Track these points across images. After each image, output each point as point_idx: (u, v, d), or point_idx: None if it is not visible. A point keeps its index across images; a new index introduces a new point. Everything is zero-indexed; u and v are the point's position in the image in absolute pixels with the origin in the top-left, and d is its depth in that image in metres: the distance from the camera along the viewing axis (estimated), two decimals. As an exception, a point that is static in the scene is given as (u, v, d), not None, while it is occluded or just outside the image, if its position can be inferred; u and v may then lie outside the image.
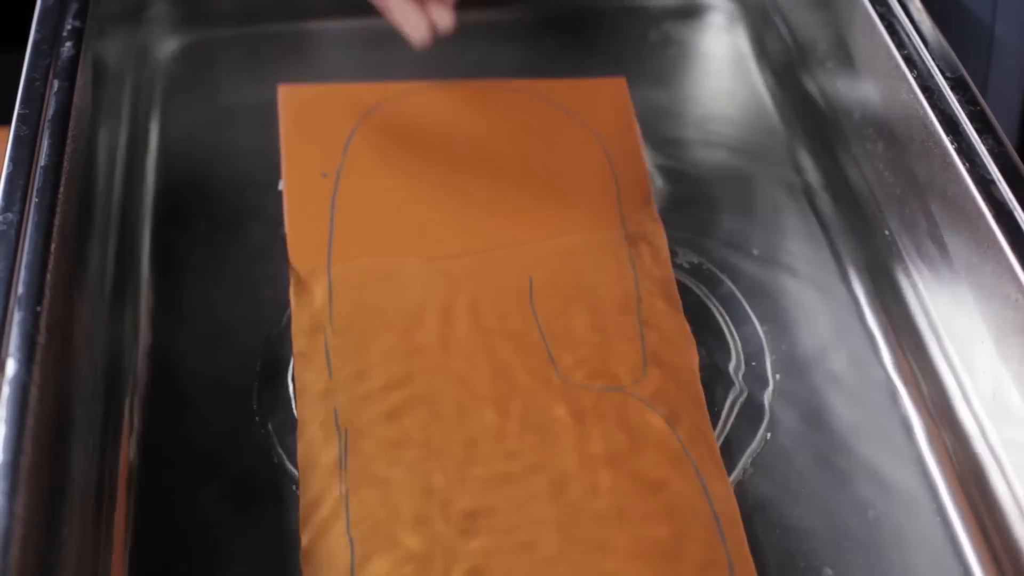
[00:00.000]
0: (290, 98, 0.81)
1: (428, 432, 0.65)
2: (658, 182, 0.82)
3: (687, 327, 0.71)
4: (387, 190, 0.77)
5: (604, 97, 0.84)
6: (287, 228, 0.75)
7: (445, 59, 0.91)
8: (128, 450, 0.66)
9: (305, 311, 0.70)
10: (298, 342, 0.69)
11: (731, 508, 0.63)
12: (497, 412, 0.66)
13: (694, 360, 0.70)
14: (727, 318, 0.74)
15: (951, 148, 0.68)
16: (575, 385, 0.67)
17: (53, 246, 0.62)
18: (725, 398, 0.70)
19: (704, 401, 0.68)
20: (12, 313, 0.59)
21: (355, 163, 0.77)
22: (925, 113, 0.71)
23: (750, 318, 0.74)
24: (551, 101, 0.83)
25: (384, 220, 0.75)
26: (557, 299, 0.72)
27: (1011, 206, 0.65)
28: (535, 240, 0.75)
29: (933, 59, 0.73)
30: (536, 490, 0.63)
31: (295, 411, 0.67)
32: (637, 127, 0.82)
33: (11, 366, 0.56)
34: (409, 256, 0.73)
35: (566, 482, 0.63)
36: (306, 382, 0.67)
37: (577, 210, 0.77)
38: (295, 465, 0.66)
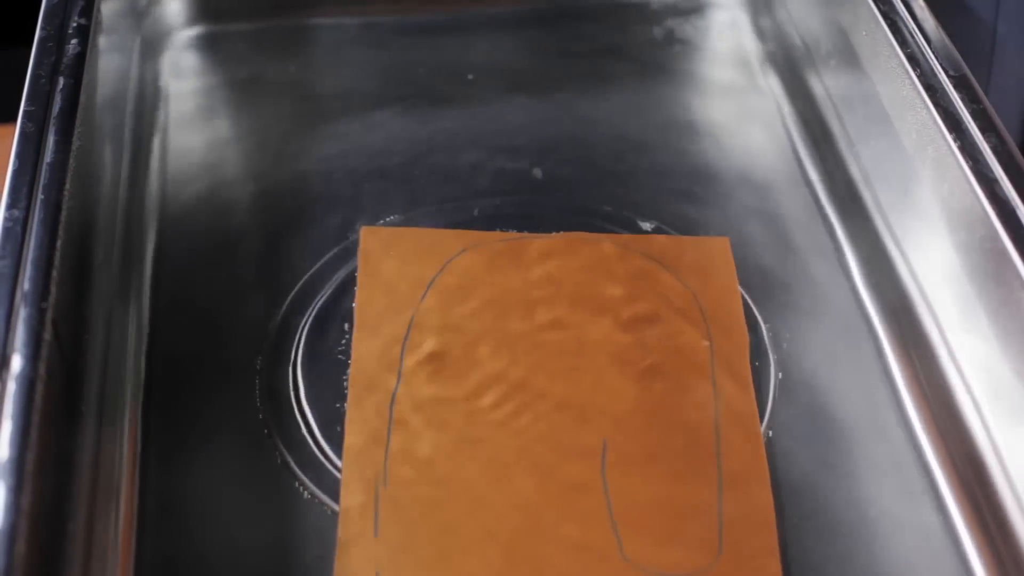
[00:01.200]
0: (371, 239, 0.77)
1: None
2: (661, 178, 0.83)
3: (771, 504, 0.64)
4: (461, 336, 0.71)
5: (706, 256, 0.77)
6: (351, 372, 0.70)
7: (447, 54, 0.92)
8: (134, 445, 0.66)
9: (356, 461, 0.65)
10: (347, 495, 0.64)
11: None
12: None
13: (774, 543, 0.63)
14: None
15: (954, 146, 0.68)
16: (638, 568, 0.62)
17: (59, 243, 0.62)
18: (728, 395, 0.70)
19: None
20: (18, 309, 0.59)
21: (430, 310, 0.73)
22: (928, 111, 0.71)
23: (753, 315, 0.74)
24: (649, 256, 0.76)
25: (454, 365, 0.70)
26: (631, 467, 0.66)
27: (1014, 204, 0.65)
28: (615, 399, 0.69)
29: (936, 57, 0.73)
30: None
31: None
32: (739, 292, 0.75)
33: (17, 362, 0.57)
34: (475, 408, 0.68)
35: None
36: (349, 533, 0.63)
37: (665, 372, 0.70)
38: (297, 462, 0.66)
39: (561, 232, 0.78)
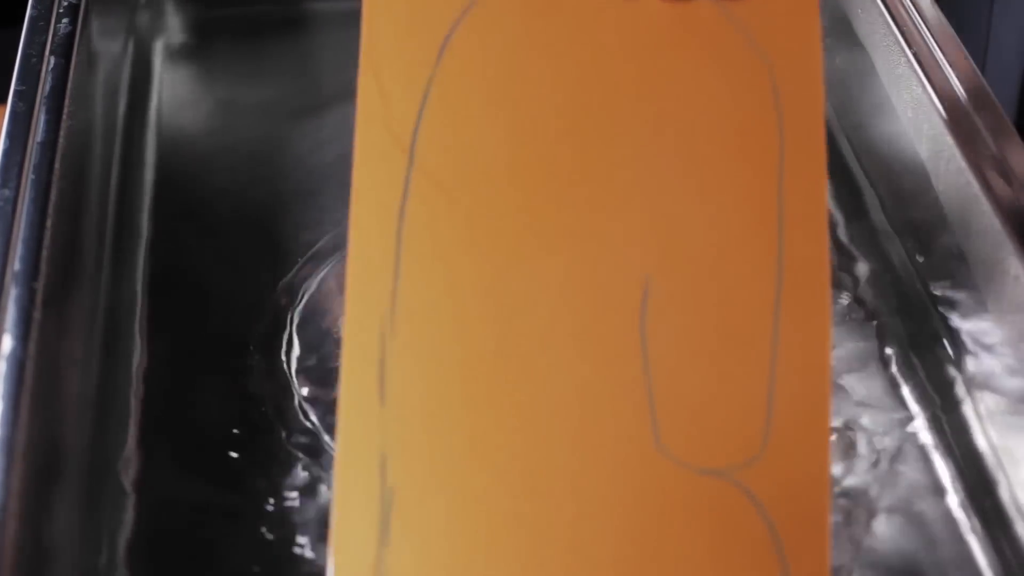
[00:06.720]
0: None
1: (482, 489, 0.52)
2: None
3: (828, 387, 0.53)
4: (485, 110, 0.57)
5: (782, 13, 0.58)
6: (355, 153, 0.55)
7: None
8: (126, 425, 0.66)
9: (358, 299, 0.53)
10: (348, 352, 0.53)
11: None
12: (564, 489, 0.52)
13: (825, 439, 0.52)
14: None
15: (950, 123, 0.68)
16: (673, 459, 0.52)
17: (49, 222, 0.62)
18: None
19: (829, 501, 0.52)
20: (8, 289, 0.59)
21: (449, 74, 0.56)
22: (923, 89, 0.70)
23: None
24: (712, 10, 0.58)
25: (475, 142, 0.56)
26: (675, 321, 0.53)
27: (1010, 182, 0.65)
28: (658, 212, 0.55)
29: (932, 35, 0.73)
30: None
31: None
32: (821, 61, 0.57)
33: (7, 342, 0.56)
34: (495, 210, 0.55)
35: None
36: (350, 403, 0.52)
37: (721, 175, 0.55)
38: (289, 436, 0.66)
39: None
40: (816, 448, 0.52)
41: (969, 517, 0.63)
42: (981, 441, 0.65)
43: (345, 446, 0.51)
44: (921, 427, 0.66)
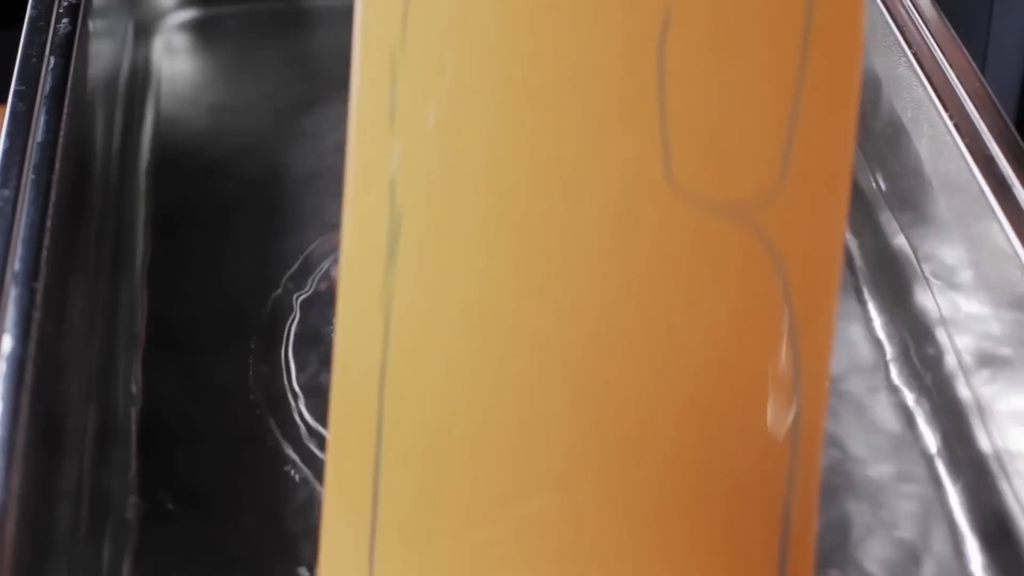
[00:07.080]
0: None
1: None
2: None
3: (853, 124, 0.50)
4: None
5: None
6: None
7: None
8: (128, 424, 0.66)
9: (372, 26, 0.50)
10: (361, 61, 0.50)
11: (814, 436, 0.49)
12: (570, 214, 0.50)
13: (846, 178, 0.50)
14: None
15: (950, 124, 0.68)
16: (684, 192, 0.49)
17: (49, 222, 0.62)
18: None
19: (842, 248, 0.51)
20: (8, 289, 0.59)
21: None
22: (924, 89, 0.70)
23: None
24: None
25: None
26: (696, 48, 0.50)
27: (1011, 182, 0.65)
28: None
29: (932, 35, 0.73)
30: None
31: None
32: None
33: (7, 342, 0.56)
34: None
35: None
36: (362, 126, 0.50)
37: None
38: (289, 443, 0.66)
39: None
40: (835, 186, 0.50)
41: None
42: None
43: (355, 170, 0.50)
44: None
